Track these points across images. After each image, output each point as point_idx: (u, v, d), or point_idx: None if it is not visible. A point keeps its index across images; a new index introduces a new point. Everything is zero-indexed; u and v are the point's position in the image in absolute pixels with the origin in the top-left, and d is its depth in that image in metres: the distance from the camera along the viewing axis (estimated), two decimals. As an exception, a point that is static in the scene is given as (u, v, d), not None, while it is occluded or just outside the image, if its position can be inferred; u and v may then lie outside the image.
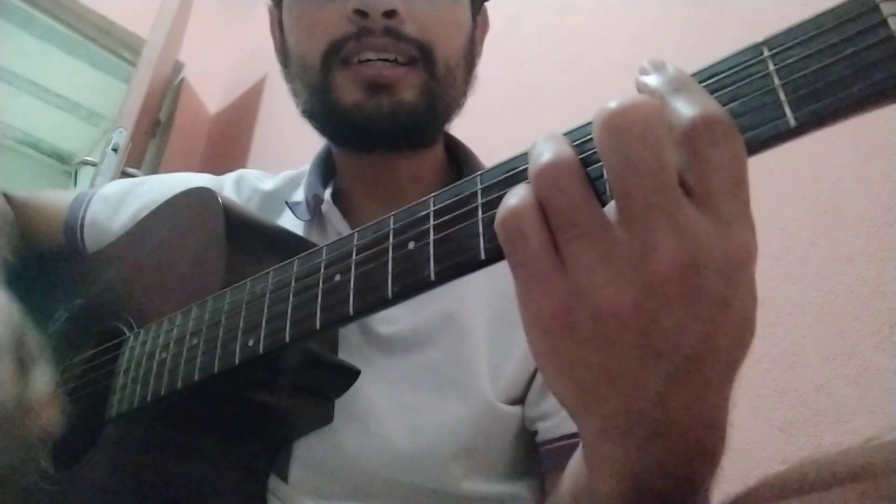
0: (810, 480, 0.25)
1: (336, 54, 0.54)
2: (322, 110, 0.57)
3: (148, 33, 2.13)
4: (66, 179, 3.93)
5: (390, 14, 0.52)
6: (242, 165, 2.31)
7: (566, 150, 0.25)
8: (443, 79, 0.56)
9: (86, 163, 2.22)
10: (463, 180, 0.31)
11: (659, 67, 0.25)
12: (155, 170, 2.36)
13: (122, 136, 1.87)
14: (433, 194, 0.32)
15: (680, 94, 0.24)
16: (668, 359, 0.23)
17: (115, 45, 2.60)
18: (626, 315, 0.23)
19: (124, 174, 1.86)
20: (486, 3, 0.65)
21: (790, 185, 0.87)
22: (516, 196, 0.25)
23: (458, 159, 0.65)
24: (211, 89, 2.80)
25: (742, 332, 0.24)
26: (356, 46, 0.53)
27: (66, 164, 4.01)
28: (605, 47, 1.24)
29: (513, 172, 0.28)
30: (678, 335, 0.23)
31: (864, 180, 0.80)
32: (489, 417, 0.52)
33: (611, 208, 0.24)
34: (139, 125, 1.98)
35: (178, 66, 2.58)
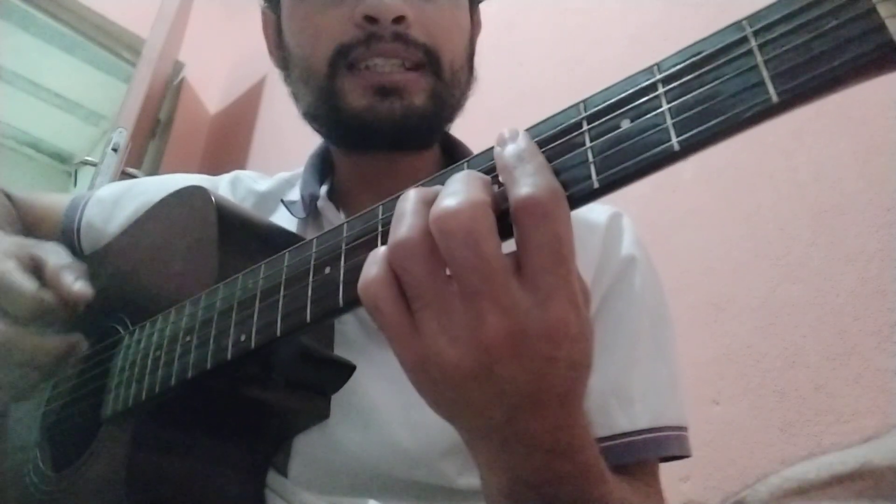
0: (810, 480, 0.25)
1: (343, 59, 0.54)
2: (328, 114, 0.57)
3: (148, 33, 2.13)
4: (66, 179, 3.93)
5: (399, 20, 0.53)
6: (242, 165, 2.31)
7: (416, 227, 0.28)
8: (449, 82, 0.57)
9: (86, 163, 2.22)
10: (448, 168, 0.32)
11: (513, 138, 0.29)
12: (155, 170, 2.36)
13: (122, 136, 1.87)
14: (419, 182, 0.32)
15: (516, 171, 0.27)
16: (507, 396, 0.28)
17: (115, 45, 2.60)
18: (466, 370, 0.27)
19: (124, 174, 1.86)
20: (480, 4, 0.65)
21: (790, 185, 0.87)
22: (374, 268, 0.29)
23: (455, 156, 0.65)
24: (211, 89, 2.81)
25: (572, 371, 0.28)
26: (365, 52, 0.53)
27: (66, 164, 4.01)
28: (605, 47, 1.24)
29: (491, 164, 0.30)
30: (513, 381, 0.27)
31: (864, 180, 0.80)
32: None
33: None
34: (139, 125, 1.98)
35: (178, 66, 2.58)
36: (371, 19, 0.53)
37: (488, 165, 0.30)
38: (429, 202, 0.29)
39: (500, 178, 0.28)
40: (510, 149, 0.28)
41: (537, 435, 0.30)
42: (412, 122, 0.54)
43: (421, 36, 0.54)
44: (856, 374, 0.73)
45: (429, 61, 0.55)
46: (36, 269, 0.50)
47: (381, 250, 0.29)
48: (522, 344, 0.26)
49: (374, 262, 0.29)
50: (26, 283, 0.47)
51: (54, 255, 0.50)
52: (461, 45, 0.59)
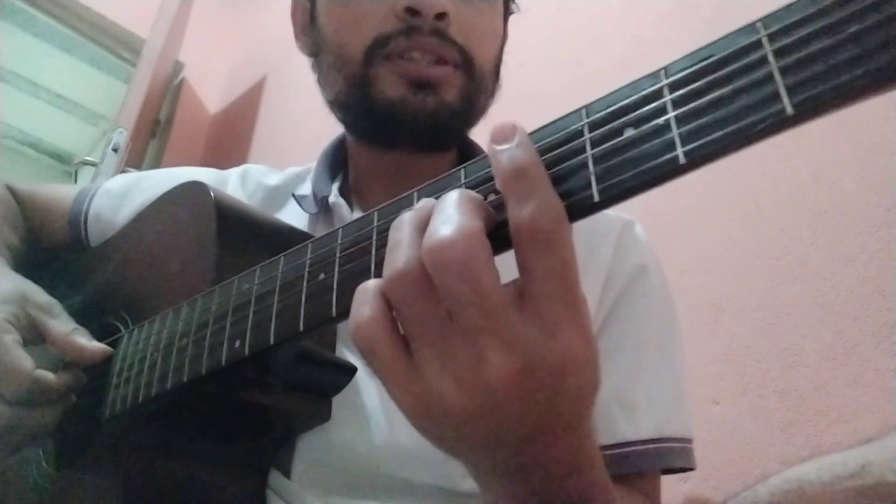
0: (810, 480, 0.25)
1: (381, 49, 0.54)
2: (359, 102, 0.56)
3: (148, 33, 2.13)
4: (66, 179, 3.92)
5: (441, 16, 0.53)
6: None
7: (413, 259, 0.26)
8: (479, 85, 0.57)
9: (86, 163, 2.22)
10: (448, 173, 0.31)
11: (509, 137, 0.27)
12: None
13: (122, 136, 1.87)
14: (416, 189, 0.31)
15: (517, 187, 0.25)
16: (512, 432, 0.27)
17: (115, 45, 2.59)
18: (470, 411, 0.26)
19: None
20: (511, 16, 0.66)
21: (790, 185, 0.87)
22: (367, 305, 0.27)
23: (467, 155, 0.65)
24: (211, 89, 2.80)
25: (580, 398, 0.27)
26: (404, 44, 0.53)
27: (66, 164, 4.01)
28: (605, 47, 1.24)
29: (490, 171, 0.28)
30: (519, 419, 0.26)
31: (864, 180, 0.80)
32: None
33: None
34: (139, 125, 1.98)
35: (178, 66, 2.58)
36: (413, 12, 0.53)
37: (485, 173, 0.29)
38: (422, 229, 0.27)
39: (497, 187, 0.26)
40: (507, 155, 0.26)
41: (545, 462, 0.29)
42: (442, 118, 0.54)
43: (458, 35, 0.54)
44: (856, 374, 0.73)
45: (463, 61, 0.55)
46: (37, 334, 0.50)
47: (371, 285, 0.27)
48: (529, 380, 0.25)
49: (366, 301, 0.27)
50: (24, 363, 0.46)
51: (56, 321, 0.50)
52: (493, 51, 0.60)
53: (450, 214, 0.26)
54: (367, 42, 0.54)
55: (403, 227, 0.27)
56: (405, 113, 0.54)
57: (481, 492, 0.33)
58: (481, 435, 0.27)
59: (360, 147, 0.64)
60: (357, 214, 0.60)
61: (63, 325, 0.50)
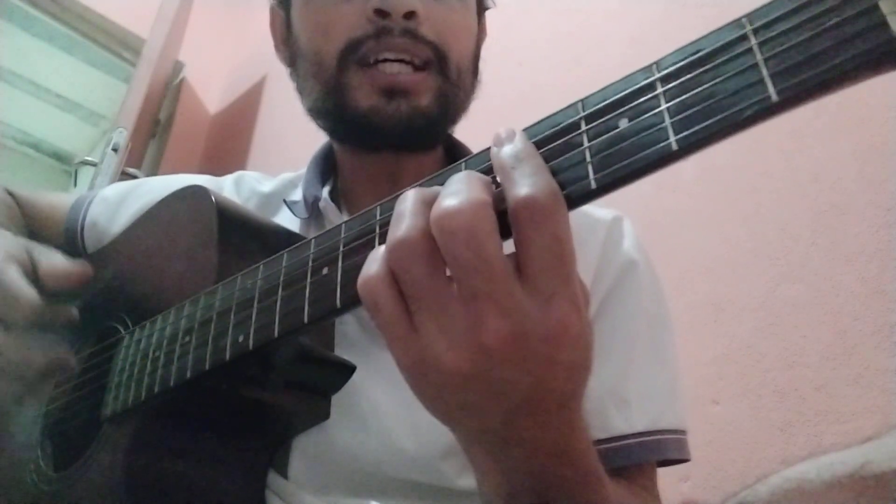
0: (810, 480, 0.25)
1: (353, 54, 0.54)
2: (335, 110, 0.57)
3: (148, 33, 2.13)
4: (66, 179, 3.92)
5: (410, 15, 0.53)
6: (242, 165, 2.31)
7: (415, 227, 0.27)
8: (455, 83, 0.57)
9: (86, 163, 2.22)
10: (446, 168, 0.32)
11: (510, 138, 0.29)
12: (155, 170, 2.36)
13: (122, 136, 1.87)
14: (417, 183, 0.32)
15: (516, 171, 0.27)
16: (505, 399, 0.28)
17: (115, 45, 2.59)
18: (465, 373, 0.27)
19: (124, 174, 1.86)
20: (486, 11, 0.66)
21: (790, 185, 0.87)
22: (374, 266, 0.28)
23: (457, 157, 0.66)
24: (211, 89, 2.80)
25: (572, 374, 0.28)
26: (375, 46, 0.54)
27: (66, 164, 4.01)
28: (605, 47, 1.24)
29: (489, 165, 0.30)
30: (512, 384, 0.27)
31: (864, 180, 0.80)
32: None
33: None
34: (139, 125, 1.98)
35: (178, 66, 2.58)
36: (382, 13, 0.53)
37: (486, 166, 0.30)
38: (428, 202, 0.28)
39: (498, 179, 0.28)
40: (507, 149, 0.28)
41: (535, 439, 0.29)
42: (417, 123, 0.55)
43: (430, 34, 0.55)
44: (856, 374, 0.73)
45: (437, 60, 0.55)
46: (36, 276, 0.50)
47: (380, 249, 0.29)
48: (523, 346, 0.26)
49: (374, 261, 0.29)
50: (25, 290, 0.46)
51: (52, 257, 0.50)
52: (468, 46, 0.60)
53: (459, 188, 0.27)
54: (340, 47, 0.55)
55: (408, 199, 0.29)
56: (378, 121, 0.54)
57: (473, 469, 0.34)
58: (474, 400, 0.28)
59: (345, 151, 0.64)
60: (346, 217, 0.60)
61: (57, 258, 0.50)
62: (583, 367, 0.29)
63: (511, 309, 0.26)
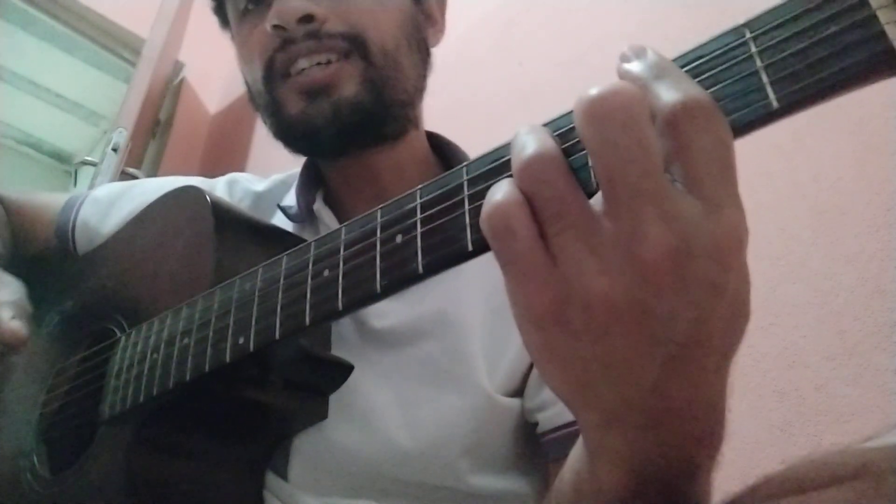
0: (810, 480, 0.25)
1: (271, 71, 0.56)
2: (279, 128, 0.58)
3: (148, 33, 2.13)
4: (66, 179, 3.92)
5: (307, 19, 0.53)
6: (242, 165, 2.31)
7: (548, 142, 0.25)
8: (381, 65, 0.56)
9: (86, 163, 2.22)
10: (449, 172, 0.31)
11: (640, 53, 0.25)
12: (155, 170, 2.35)
13: (122, 136, 1.87)
14: (419, 186, 0.32)
15: (662, 80, 0.23)
16: (662, 347, 0.23)
17: (115, 45, 2.59)
18: (617, 305, 0.23)
19: (124, 174, 1.86)
20: (434, 3, 0.65)
21: (790, 185, 0.87)
22: (501, 191, 0.24)
23: (446, 155, 0.65)
24: (211, 89, 2.80)
25: (736, 318, 0.24)
26: (285, 57, 0.55)
27: (66, 164, 4.00)
28: (605, 47, 1.24)
29: (498, 163, 0.29)
30: (671, 322, 0.23)
31: (864, 180, 0.80)
32: (488, 410, 0.52)
33: (598, 198, 0.24)
34: (139, 125, 1.98)
35: (178, 66, 2.57)
36: (278, 28, 0.54)
37: (490, 167, 0.29)
38: (546, 129, 0.26)
39: (643, 85, 0.24)
40: (646, 60, 0.25)
41: (685, 412, 0.25)
42: (346, 115, 0.54)
43: (338, 27, 0.55)
44: (856, 374, 0.73)
45: (354, 48, 0.55)
46: None
47: (504, 180, 0.25)
48: (687, 265, 0.22)
49: (500, 188, 0.25)
50: None
51: (4, 291, 0.51)
52: (390, 25, 0.58)
53: (598, 85, 0.23)
54: (262, 69, 0.57)
55: (523, 127, 0.26)
56: (307, 125, 0.55)
57: (591, 457, 0.29)
58: (623, 348, 0.23)
59: (322, 162, 0.65)
60: (335, 225, 0.60)
61: (6, 296, 0.50)
62: (744, 310, 0.24)
63: (674, 215, 0.22)
